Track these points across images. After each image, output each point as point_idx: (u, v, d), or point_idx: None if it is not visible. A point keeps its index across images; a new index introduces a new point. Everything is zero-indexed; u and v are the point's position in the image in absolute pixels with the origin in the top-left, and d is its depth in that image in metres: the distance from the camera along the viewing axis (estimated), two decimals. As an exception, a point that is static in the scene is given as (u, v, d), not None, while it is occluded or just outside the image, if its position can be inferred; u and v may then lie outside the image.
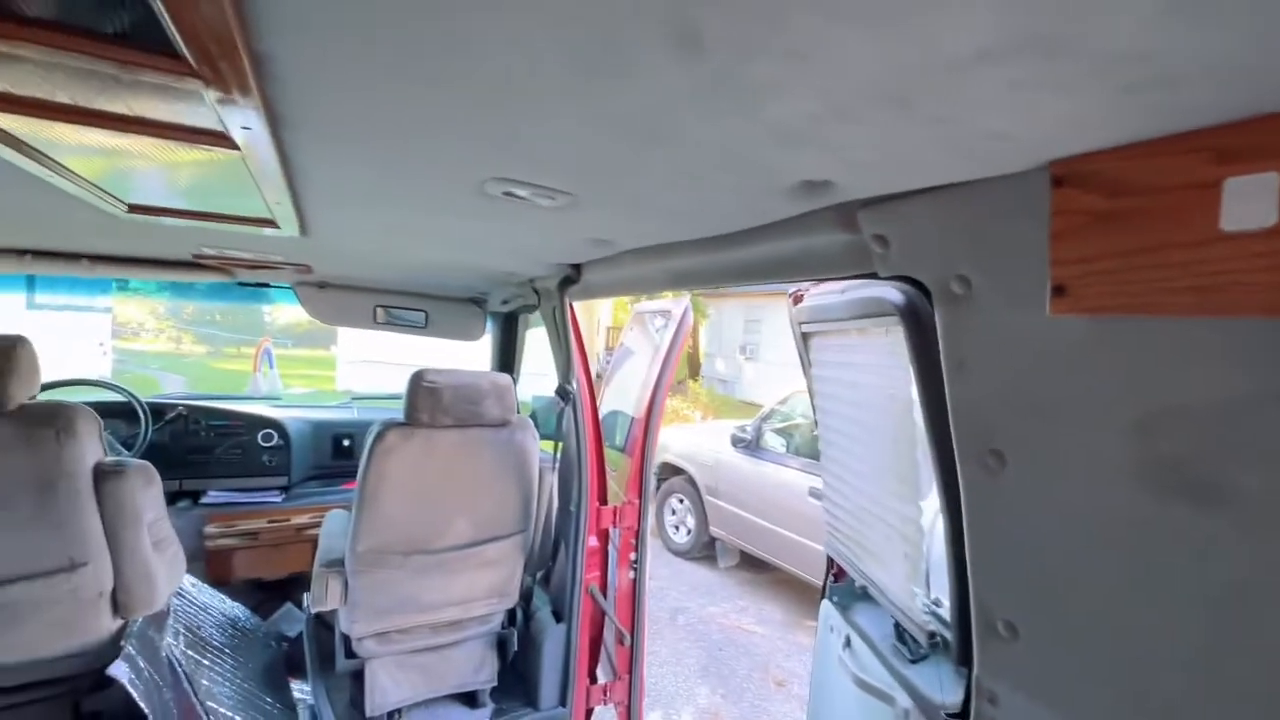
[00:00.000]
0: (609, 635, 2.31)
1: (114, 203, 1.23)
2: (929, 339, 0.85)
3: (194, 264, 2.09)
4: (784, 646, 4.24)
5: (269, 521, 2.49)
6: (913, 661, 1.13)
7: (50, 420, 1.39)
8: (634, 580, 2.24)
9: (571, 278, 1.74)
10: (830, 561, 1.59)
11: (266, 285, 2.54)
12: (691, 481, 5.59)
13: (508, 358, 2.94)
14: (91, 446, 1.47)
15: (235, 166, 0.97)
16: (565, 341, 1.99)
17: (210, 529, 2.38)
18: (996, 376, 0.71)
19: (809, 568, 4.36)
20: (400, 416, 1.83)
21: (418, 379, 1.80)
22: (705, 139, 0.65)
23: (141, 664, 1.55)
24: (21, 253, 1.89)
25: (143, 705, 1.47)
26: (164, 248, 1.89)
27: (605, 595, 2.25)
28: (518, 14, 0.44)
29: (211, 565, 2.40)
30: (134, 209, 1.32)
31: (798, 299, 1.48)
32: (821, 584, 1.64)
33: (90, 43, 0.54)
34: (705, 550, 5.57)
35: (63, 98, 0.68)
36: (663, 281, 1.42)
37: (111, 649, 1.63)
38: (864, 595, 1.40)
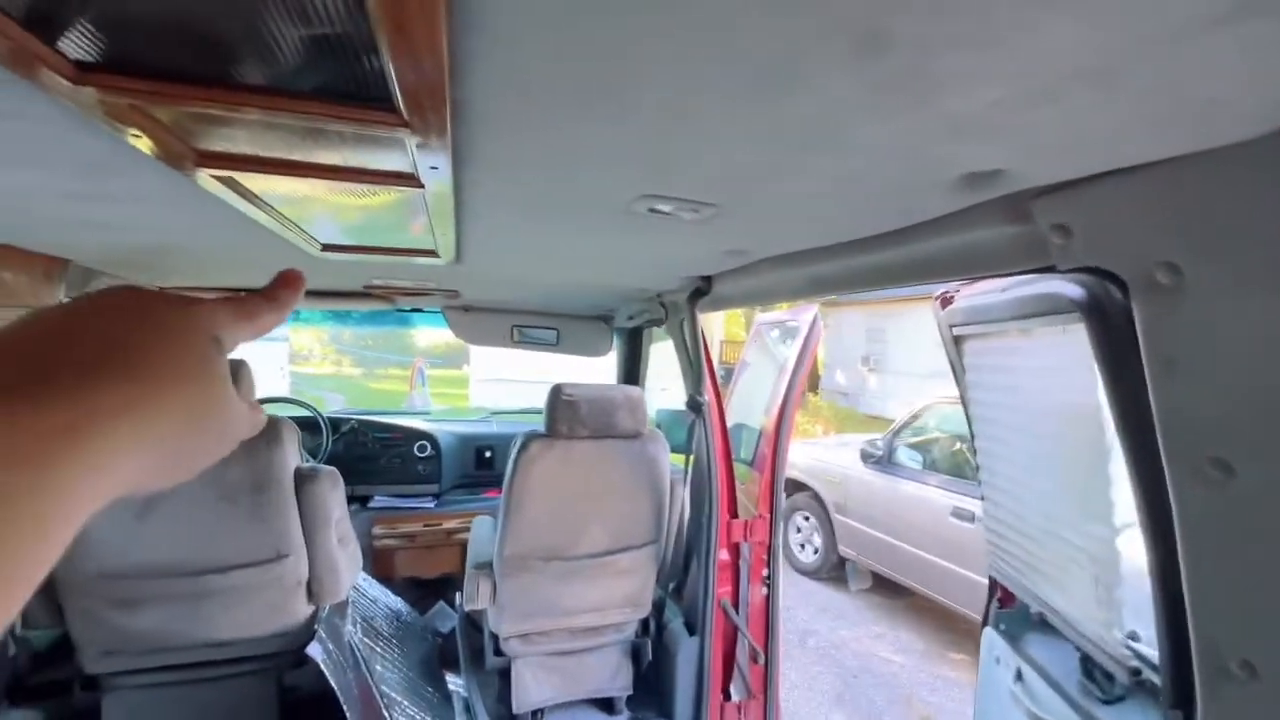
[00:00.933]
0: (742, 652, 2.27)
1: (310, 241, 1.43)
2: (1122, 336, 0.76)
3: (364, 294, 2.37)
4: (926, 679, 3.92)
5: (424, 525, 2.73)
6: (1106, 702, 1.00)
7: (263, 430, 1.64)
8: (767, 597, 2.19)
9: (702, 289, 1.76)
10: (994, 585, 1.46)
11: (419, 310, 2.82)
12: (817, 498, 5.38)
13: (632, 372, 3.02)
14: (293, 454, 1.71)
15: (414, 203, 1.09)
16: (695, 354, 2.02)
17: (377, 530, 2.66)
18: (1219, 374, 0.62)
19: (953, 594, 4.01)
20: (535, 429, 1.95)
21: (557, 392, 1.91)
22: (868, 140, 0.64)
23: (330, 647, 1.75)
24: (235, 290, 2.25)
25: (333, 683, 1.67)
26: (342, 280, 2.16)
27: (737, 611, 2.22)
28: (703, 42, 0.46)
29: (377, 563, 2.67)
30: (326, 248, 1.52)
31: (947, 301, 1.39)
32: (983, 611, 1.50)
33: (317, 104, 0.64)
34: (834, 571, 5.31)
35: (280, 153, 0.81)
36: (800, 289, 1.40)
37: (306, 632, 1.87)
38: (1040, 624, 1.26)
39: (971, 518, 3.80)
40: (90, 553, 1.55)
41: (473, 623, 2.38)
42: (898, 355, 12.88)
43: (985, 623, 1.46)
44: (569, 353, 2.87)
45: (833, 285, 1.30)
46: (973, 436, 1.45)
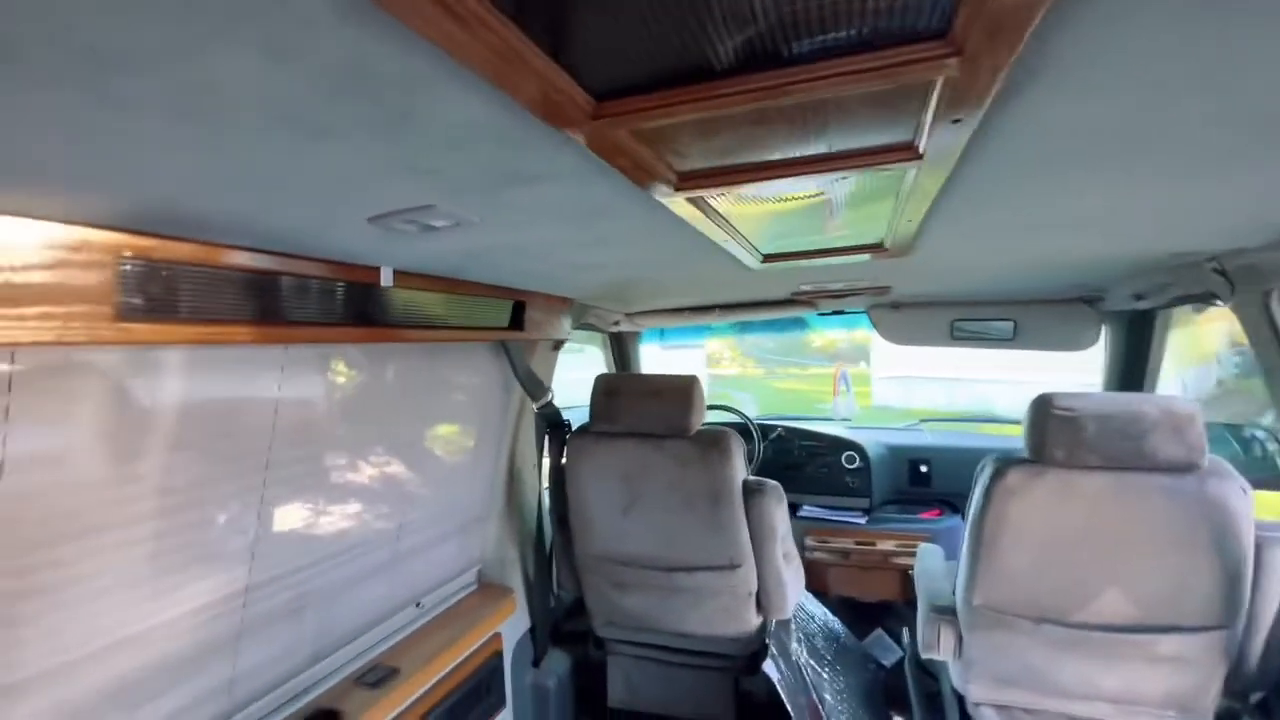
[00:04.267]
0: None
1: (752, 253, 1.39)
2: None
3: (788, 301, 2.33)
4: None
5: (856, 543, 2.54)
6: None
7: (716, 443, 1.71)
8: None
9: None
10: None
11: (841, 312, 2.65)
12: None
13: (1133, 373, 2.20)
14: (740, 466, 1.74)
15: (883, 188, 0.90)
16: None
17: (809, 541, 2.59)
18: None
19: None
20: (1011, 453, 1.53)
21: (1045, 405, 1.45)
22: None
23: (783, 666, 1.72)
24: (681, 310, 2.50)
25: (788, 705, 1.61)
26: (769, 290, 2.15)
27: None
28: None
29: (811, 576, 2.60)
30: (767, 259, 1.48)
31: None
32: None
33: (826, 64, 0.49)
34: None
35: (763, 153, 0.71)
36: None
37: (757, 641, 1.89)
38: None
39: None
40: (595, 537, 1.87)
41: (924, 668, 2.07)
42: None
43: None
44: (1031, 347, 2.27)
45: None
46: None
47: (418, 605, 1.76)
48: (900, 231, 1.16)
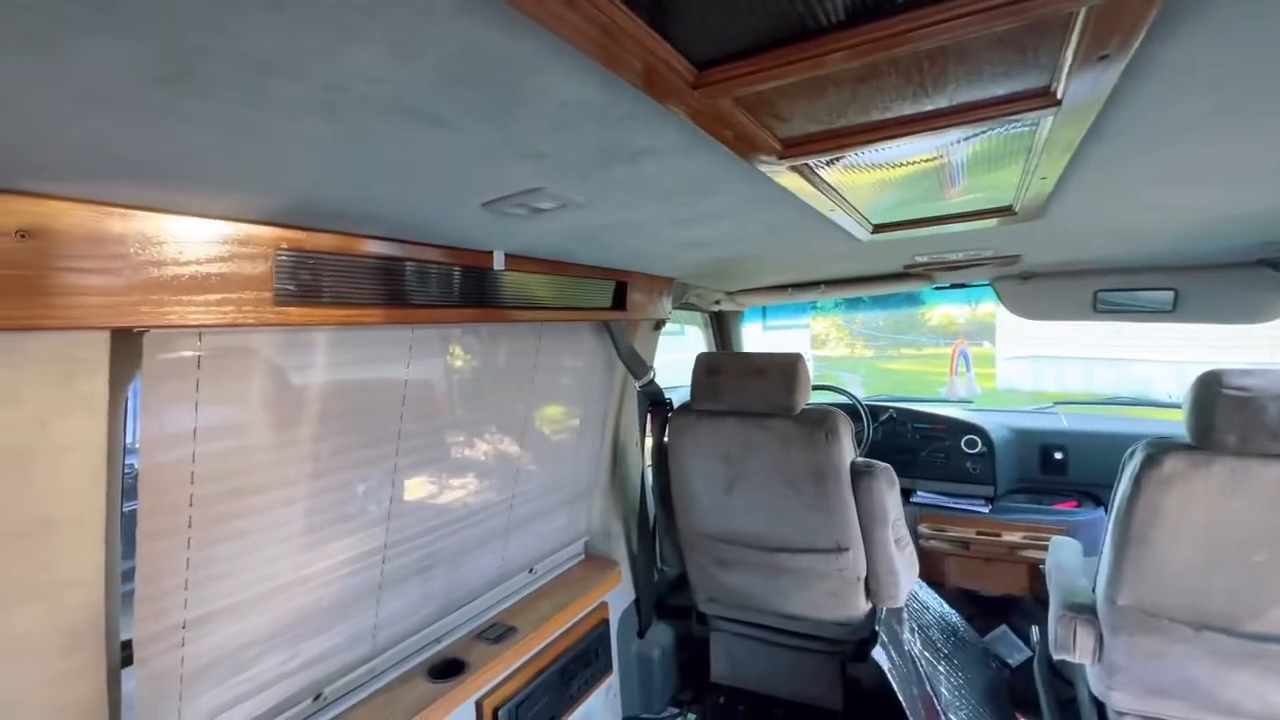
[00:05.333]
0: None
1: (862, 224, 1.32)
2: None
3: (901, 275, 2.19)
4: None
5: (977, 532, 2.37)
6: None
7: (821, 423, 1.66)
8: None
9: None
10: None
11: (961, 285, 2.46)
12: None
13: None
14: (849, 447, 1.67)
15: (1011, 147, 0.82)
16: None
17: (923, 528, 2.45)
18: None
19: None
20: (1167, 438, 1.35)
21: (1214, 384, 1.27)
22: None
23: (894, 655, 1.65)
24: (784, 287, 2.43)
25: (899, 695, 1.55)
26: (880, 264, 2.03)
27: None
28: None
29: (925, 565, 2.46)
30: (877, 229, 1.40)
31: None
32: None
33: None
34: None
35: (874, 113, 0.67)
36: None
37: (865, 628, 1.82)
38: None
39: None
40: (698, 514, 1.89)
41: (1057, 671, 1.91)
42: None
43: None
44: (1195, 320, 1.99)
45: None
46: None
47: (530, 571, 1.87)
48: (1033, 192, 1.05)
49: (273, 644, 1.15)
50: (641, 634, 2.13)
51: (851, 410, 2.69)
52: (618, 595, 2.05)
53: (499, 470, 1.69)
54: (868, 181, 1.01)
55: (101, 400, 0.78)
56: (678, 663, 2.22)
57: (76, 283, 0.70)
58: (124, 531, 0.89)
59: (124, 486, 0.87)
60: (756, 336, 3.40)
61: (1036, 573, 2.23)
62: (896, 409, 2.68)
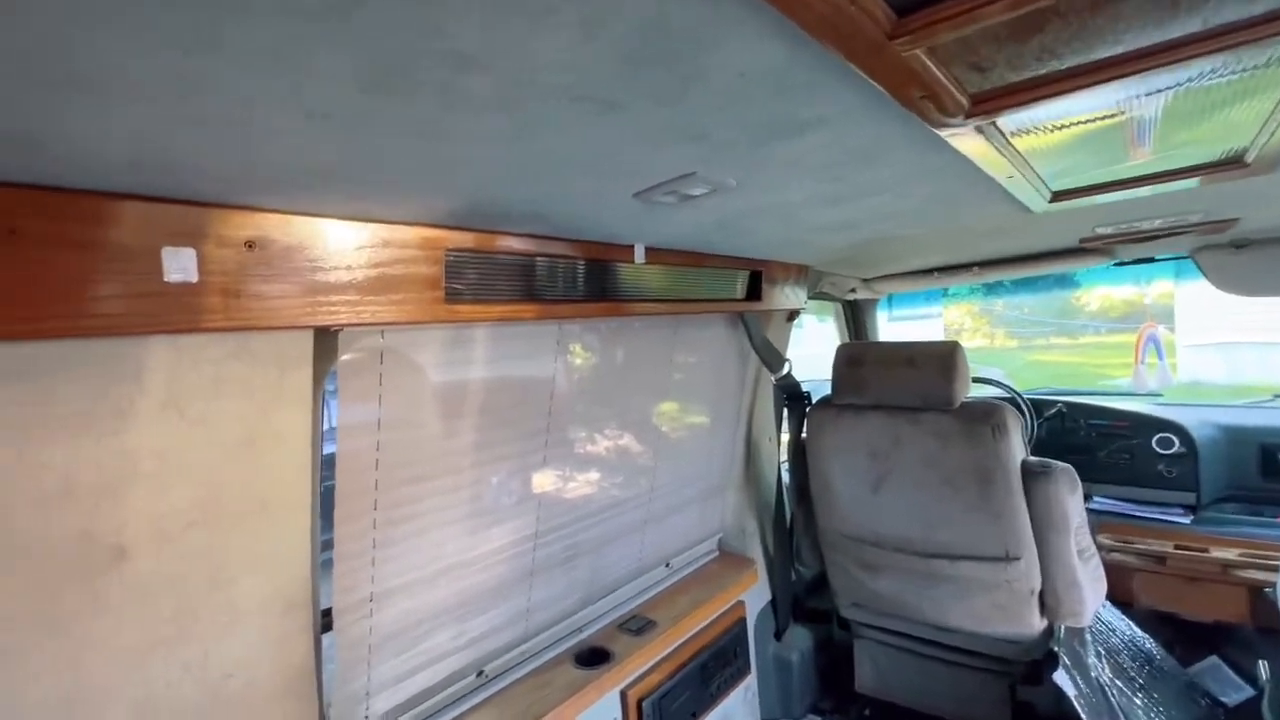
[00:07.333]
0: None
1: (1039, 191, 1.17)
2: None
3: (1076, 250, 1.93)
4: None
5: (1175, 546, 2.04)
6: None
7: (986, 417, 1.50)
8: None
9: None
10: None
11: (1148, 260, 2.13)
12: None
13: None
14: (1019, 444, 1.50)
15: (1259, 80, 0.68)
16: None
17: (1102, 538, 2.15)
18: None
19: None
20: None
21: None
22: None
23: (1079, 681, 1.46)
24: (928, 271, 2.24)
25: (1087, 727, 1.37)
26: (1049, 239, 1.81)
27: None
28: None
29: (1107, 581, 2.17)
30: (1057, 196, 1.23)
31: None
32: None
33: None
34: None
35: (1086, 53, 0.57)
36: None
37: (1040, 648, 1.63)
38: None
39: None
40: (841, 515, 1.79)
41: (1296, 715, 1.59)
42: None
43: None
44: None
45: None
46: None
47: (667, 565, 1.87)
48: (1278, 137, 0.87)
49: (440, 621, 1.23)
50: (778, 636, 2.05)
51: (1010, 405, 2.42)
52: (754, 595, 2.00)
53: (635, 464, 1.70)
54: (1056, 142, 0.88)
55: (307, 393, 0.87)
56: (817, 668, 2.12)
57: (287, 286, 0.78)
58: (322, 511, 0.99)
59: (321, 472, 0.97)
60: (881, 328, 3.18)
61: (1259, 596, 1.87)
62: (1066, 403, 2.38)
